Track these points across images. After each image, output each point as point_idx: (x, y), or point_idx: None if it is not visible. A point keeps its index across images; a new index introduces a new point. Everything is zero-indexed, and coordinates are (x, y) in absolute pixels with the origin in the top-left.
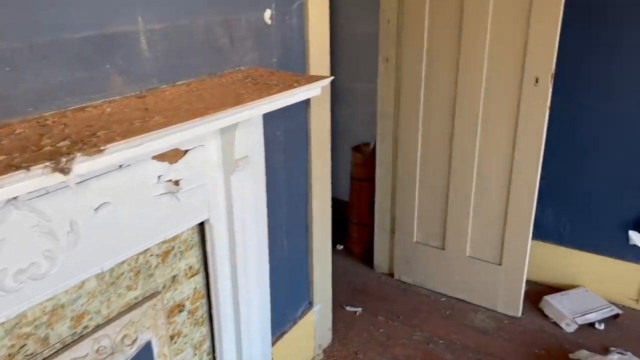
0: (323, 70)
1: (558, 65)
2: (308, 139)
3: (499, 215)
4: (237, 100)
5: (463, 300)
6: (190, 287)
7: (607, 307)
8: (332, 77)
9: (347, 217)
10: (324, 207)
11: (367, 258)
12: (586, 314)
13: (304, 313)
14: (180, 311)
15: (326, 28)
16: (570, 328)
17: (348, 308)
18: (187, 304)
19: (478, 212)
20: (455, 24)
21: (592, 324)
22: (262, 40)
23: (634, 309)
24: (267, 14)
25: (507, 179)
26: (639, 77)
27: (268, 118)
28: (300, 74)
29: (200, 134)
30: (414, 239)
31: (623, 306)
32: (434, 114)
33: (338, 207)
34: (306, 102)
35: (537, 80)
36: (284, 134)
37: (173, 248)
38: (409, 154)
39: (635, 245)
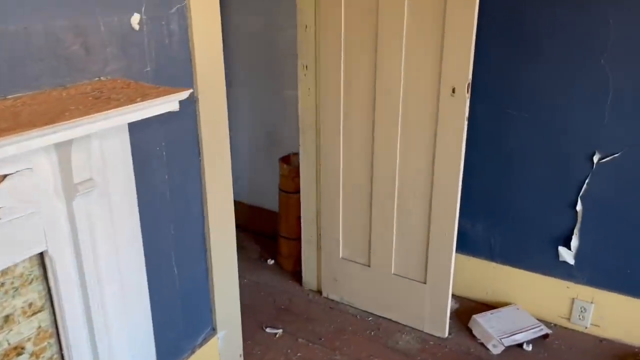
0: (216, 79)
1: (482, 73)
2: (200, 150)
3: (422, 232)
4: (54, 118)
5: (390, 320)
6: (32, 326)
7: (536, 327)
8: (190, 90)
9: (277, 231)
10: (225, 226)
11: (297, 274)
12: (514, 334)
13: (205, 340)
14: (19, 354)
15: (217, 33)
16: (497, 350)
17: (268, 330)
18: (29, 345)
19: (401, 228)
20: (371, 31)
21: (520, 345)
22: (129, 48)
23: (565, 328)
24: (135, 18)
25: (428, 193)
26: (565, 86)
27: (143, 129)
28: (157, 87)
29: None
30: (340, 255)
31: (554, 325)
32: (354, 126)
33: (269, 219)
34: (193, 110)
35: (453, 90)
36: (166, 147)
37: (3, 284)
38: (331, 167)
39: (565, 262)
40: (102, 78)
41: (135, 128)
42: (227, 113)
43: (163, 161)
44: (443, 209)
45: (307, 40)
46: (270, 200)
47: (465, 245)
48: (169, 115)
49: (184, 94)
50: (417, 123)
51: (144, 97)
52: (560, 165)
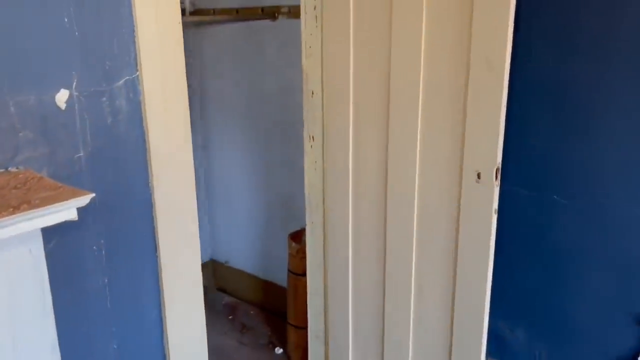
0: (180, 161)
1: (520, 150)
2: (156, 245)
3: (444, 335)
4: None
5: None
6: None
7: None
8: (93, 195)
9: (286, 317)
10: (193, 334)
11: None
12: None
13: None
14: None
15: (183, 106)
16: None
17: None
18: None
19: (419, 330)
20: (384, 101)
21: None
22: (53, 131)
23: None
24: (62, 96)
25: (451, 293)
26: (630, 171)
27: (70, 229)
28: (58, 187)
29: None
30: (350, 356)
31: None
32: (363, 205)
33: (283, 297)
34: (148, 199)
35: (479, 176)
36: (107, 245)
37: None
38: (339, 253)
39: None
40: (10, 169)
41: (59, 227)
42: (194, 201)
43: (101, 263)
44: (468, 312)
45: (313, 108)
46: (285, 277)
47: (504, 353)
48: (113, 205)
49: (84, 199)
50: (435, 213)
51: (30, 204)
52: (623, 268)
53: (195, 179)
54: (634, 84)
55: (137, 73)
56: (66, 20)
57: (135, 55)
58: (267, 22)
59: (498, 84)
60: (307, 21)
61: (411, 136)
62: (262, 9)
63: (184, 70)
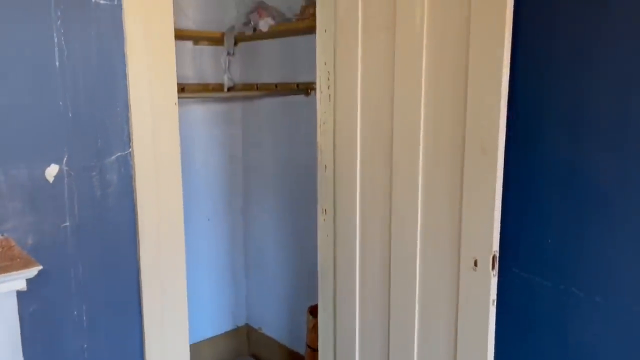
0: (169, 243)
1: (533, 236)
2: (141, 310)
3: None
4: None
5: None
6: None
7: None
8: (40, 267)
9: None
10: None
11: None
12: None
13: None
14: None
15: (176, 182)
16: None
17: None
18: None
19: None
20: (387, 179)
21: None
22: (41, 202)
23: None
24: (51, 170)
25: None
26: None
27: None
28: (14, 259)
29: None
30: None
31: None
32: (369, 284)
33: None
34: (134, 266)
35: (475, 263)
36: (89, 309)
37: None
38: (346, 332)
39: None
40: None
41: (37, 288)
42: (184, 279)
43: (81, 327)
44: None
45: (326, 182)
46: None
47: None
48: (98, 274)
49: (32, 272)
50: (435, 299)
51: None
52: None
53: (235, 243)
54: None
55: (130, 150)
56: (61, 103)
57: (129, 133)
58: (301, 97)
59: (492, 169)
60: (321, 99)
61: (412, 218)
62: (297, 84)
63: (178, 146)
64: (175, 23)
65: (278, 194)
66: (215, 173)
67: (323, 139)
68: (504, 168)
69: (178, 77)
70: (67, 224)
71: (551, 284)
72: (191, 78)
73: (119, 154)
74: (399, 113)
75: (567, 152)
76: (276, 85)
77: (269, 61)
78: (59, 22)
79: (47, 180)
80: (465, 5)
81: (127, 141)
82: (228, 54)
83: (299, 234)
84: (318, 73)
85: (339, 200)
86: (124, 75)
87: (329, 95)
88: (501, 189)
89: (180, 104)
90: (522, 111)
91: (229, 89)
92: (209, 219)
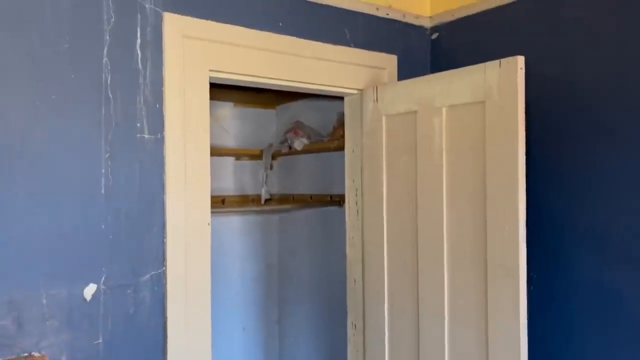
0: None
1: None
2: None
3: None
4: None
5: None
6: None
7: None
8: None
9: None
10: None
11: None
12: None
13: None
14: None
15: (205, 299)
16: None
17: None
18: None
19: None
20: (414, 299)
21: None
22: (77, 320)
23: None
24: (90, 290)
25: None
26: None
27: None
28: None
29: None
30: None
31: None
32: None
33: None
34: None
35: None
36: None
37: None
38: None
39: None
40: (34, 354)
41: None
42: None
43: None
44: None
45: (355, 296)
46: None
47: None
48: None
49: None
50: None
51: None
52: None
53: (270, 356)
54: None
55: (163, 268)
56: (103, 227)
57: (164, 252)
58: (335, 208)
59: (515, 292)
60: (350, 214)
61: (439, 337)
62: (331, 196)
63: (209, 263)
64: (219, 141)
65: (314, 304)
66: (252, 282)
67: (352, 253)
68: (534, 289)
69: (220, 189)
70: (100, 340)
71: None
72: (232, 190)
73: (153, 272)
74: (423, 230)
75: (592, 273)
76: (311, 197)
77: (305, 174)
78: (107, 155)
79: (84, 299)
80: (479, 138)
81: (162, 260)
82: (265, 168)
83: (335, 347)
84: (347, 189)
85: (368, 315)
86: (162, 201)
87: (357, 210)
88: (525, 308)
89: (220, 215)
90: (543, 235)
91: (267, 201)
92: (243, 328)
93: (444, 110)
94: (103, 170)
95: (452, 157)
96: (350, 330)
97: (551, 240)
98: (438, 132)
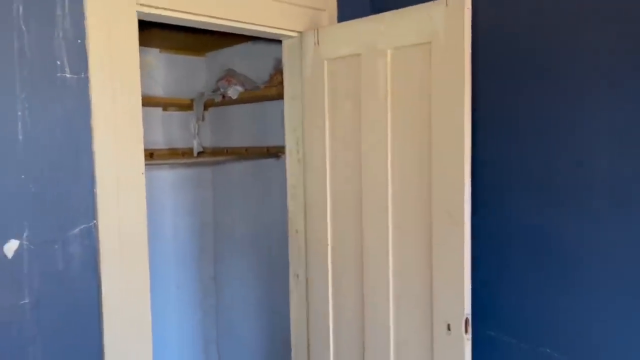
0: (135, 317)
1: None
2: None
3: None
4: None
5: None
6: None
7: None
8: None
9: None
10: None
11: None
12: None
13: None
14: None
15: (142, 253)
16: None
17: None
18: None
19: None
20: (358, 246)
21: None
22: None
23: None
24: (11, 246)
25: None
26: (622, 325)
27: None
28: None
29: None
30: None
31: None
32: (344, 351)
33: None
34: (98, 348)
35: (449, 327)
36: None
37: None
38: None
39: None
40: None
41: None
42: (151, 349)
43: None
44: None
45: (297, 246)
46: None
47: None
48: (60, 349)
49: None
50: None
51: None
52: None
53: (206, 313)
54: (620, 237)
55: (94, 221)
56: (23, 177)
57: (94, 204)
58: (272, 161)
59: (459, 235)
60: (291, 164)
61: (383, 283)
62: (267, 148)
63: (145, 216)
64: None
65: (251, 258)
66: (186, 239)
67: (293, 203)
68: (474, 233)
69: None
70: (26, 300)
71: (523, 344)
72: (160, 144)
73: (83, 225)
74: (367, 179)
75: (531, 217)
76: (246, 149)
77: (239, 126)
78: (23, 96)
79: (5, 256)
80: (425, 82)
81: (92, 213)
82: (197, 119)
83: (274, 301)
84: (287, 138)
85: (311, 266)
86: (90, 147)
87: (298, 159)
88: (469, 253)
89: (149, 170)
90: (486, 180)
91: (199, 154)
92: (177, 287)
93: (388, 52)
94: (19, 113)
95: (398, 102)
96: (292, 281)
97: (492, 185)
98: (383, 76)
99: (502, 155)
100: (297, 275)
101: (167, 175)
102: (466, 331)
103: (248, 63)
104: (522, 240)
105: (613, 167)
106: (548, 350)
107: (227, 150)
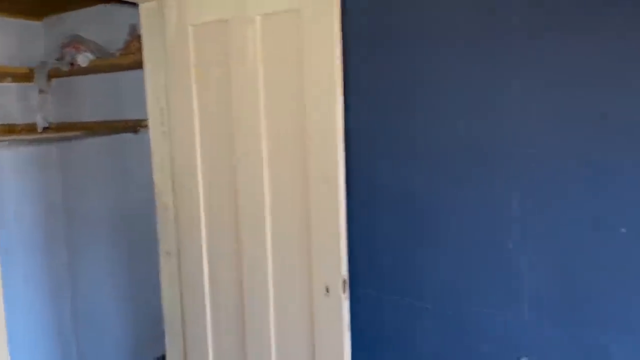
0: None
1: (379, 259)
2: None
3: None
4: None
5: None
6: None
7: None
8: None
9: None
10: None
11: None
12: None
13: None
14: None
15: None
16: None
17: None
18: None
19: None
20: (233, 216)
21: None
22: None
23: None
24: None
25: None
26: (471, 276)
27: None
28: None
29: None
30: None
31: None
32: (222, 325)
33: None
34: None
35: (327, 289)
36: None
37: None
38: None
39: None
40: None
41: None
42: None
43: None
44: None
45: (166, 222)
46: None
47: None
48: None
49: None
50: (291, 329)
51: None
52: None
53: (60, 302)
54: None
55: None
56: None
57: None
58: (129, 136)
59: (334, 198)
60: (155, 137)
61: (261, 251)
62: (124, 122)
63: None
64: None
65: (110, 242)
66: (32, 226)
67: (160, 177)
68: (349, 197)
69: None
70: None
71: (396, 298)
72: None
73: None
74: (240, 147)
75: (393, 179)
76: (99, 124)
77: (91, 98)
78: None
79: None
80: (296, 49)
81: None
82: (41, 91)
83: (139, 283)
84: (149, 110)
85: (183, 241)
86: None
87: (164, 132)
88: (345, 216)
89: None
90: (358, 144)
91: (44, 130)
92: (26, 279)
93: (258, 19)
94: None
95: (269, 71)
96: (163, 259)
97: (362, 149)
98: (252, 44)
99: (370, 121)
100: (168, 253)
101: (7, 156)
102: (344, 291)
103: (97, 29)
104: (391, 201)
105: (469, 129)
106: (412, 300)
107: (77, 126)
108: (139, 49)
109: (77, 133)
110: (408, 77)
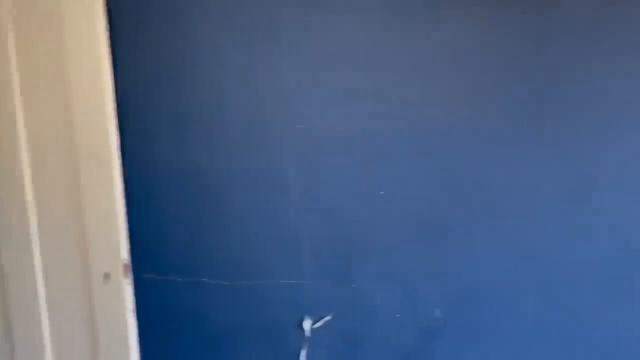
0: None
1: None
2: None
3: None
4: None
5: None
6: None
7: None
8: None
9: None
10: None
11: None
12: None
13: None
14: None
15: None
16: None
17: None
18: None
19: None
20: None
21: None
22: None
23: None
24: None
25: None
26: (253, 242)
27: None
28: None
29: None
30: None
31: None
32: None
33: None
34: None
35: (108, 276)
36: None
37: None
38: None
39: None
40: None
41: None
42: None
43: None
44: None
45: None
46: None
47: None
48: None
49: None
50: (70, 323)
51: None
52: (272, 339)
53: None
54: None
55: None
56: None
57: None
58: None
59: (109, 182)
60: None
61: (25, 242)
62: None
63: None
64: None
65: None
66: None
67: None
68: (124, 178)
69: None
70: None
71: (183, 279)
72: None
73: None
74: None
75: (177, 155)
76: None
77: None
78: None
79: None
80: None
81: None
82: None
83: None
84: None
85: None
86: None
87: None
88: (123, 199)
89: None
90: (132, 121)
91: None
92: None
93: None
94: None
95: (25, 43)
96: None
97: (141, 128)
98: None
99: (147, 96)
100: None
101: None
102: (125, 277)
103: None
104: (177, 180)
105: (243, 109)
106: (207, 279)
107: None
108: None
109: None
110: (184, 48)
